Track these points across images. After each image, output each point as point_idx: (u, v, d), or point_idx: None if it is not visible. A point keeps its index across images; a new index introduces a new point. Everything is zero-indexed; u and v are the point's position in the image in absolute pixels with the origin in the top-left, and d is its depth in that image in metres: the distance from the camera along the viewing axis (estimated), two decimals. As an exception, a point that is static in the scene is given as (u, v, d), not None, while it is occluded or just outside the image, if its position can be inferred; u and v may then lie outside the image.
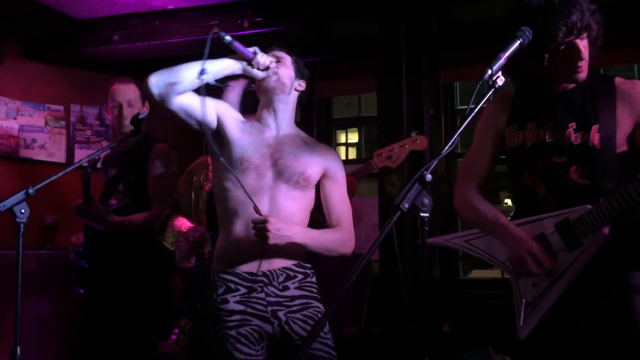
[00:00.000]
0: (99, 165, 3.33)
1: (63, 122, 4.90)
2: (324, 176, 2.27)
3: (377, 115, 4.30)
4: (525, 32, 1.72)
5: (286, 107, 2.27)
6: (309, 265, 2.28)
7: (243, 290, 2.16)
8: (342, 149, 7.49)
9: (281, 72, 2.22)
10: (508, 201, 6.41)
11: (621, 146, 1.84)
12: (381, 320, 3.99)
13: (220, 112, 2.22)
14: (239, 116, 2.29)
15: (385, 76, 4.09)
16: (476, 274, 5.08)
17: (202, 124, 2.16)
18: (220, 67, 2.12)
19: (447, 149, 1.57)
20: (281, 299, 2.16)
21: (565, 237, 1.82)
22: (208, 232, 2.91)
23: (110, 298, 3.14)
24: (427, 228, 1.50)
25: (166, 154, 3.23)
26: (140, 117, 2.17)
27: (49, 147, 4.82)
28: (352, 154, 7.22)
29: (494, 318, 3.97)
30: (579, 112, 1.87)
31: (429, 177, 1.49)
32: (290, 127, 2.30)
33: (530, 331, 1.84)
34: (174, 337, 3.46)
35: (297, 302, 2.18)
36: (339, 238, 2.23)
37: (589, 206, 1.78)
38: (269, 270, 2.17)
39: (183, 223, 3.06)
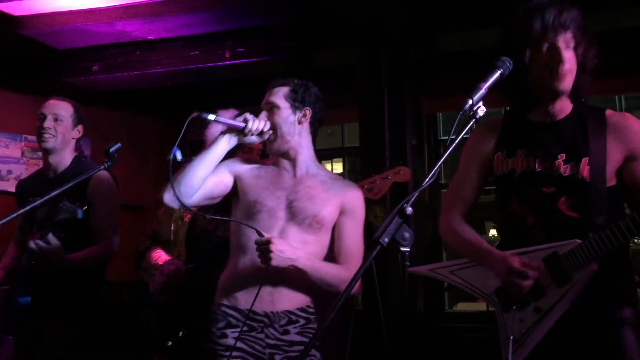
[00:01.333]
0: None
1: (40, 153, 4.80)
2: (340, 212, 2.20)
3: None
4: (505, 62, 1.70)
5: (299, 148, 2.23)
6: (313, 310, 2.20)
7: (244, 327, 2.10)
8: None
9: (276, 123, 2.18)
10: (493, 232, 6.39)
11: (610, 180, 1.81)
12: (364, 356, 3.91)
13: (235, 171, 2.25)
14: (253, 165, 2.28)
15: (367, 106, 4.09)
16: (462, 306, 5.01)
17: (224, 195, 2.24)
18: (218, 151, 2.16)
19: (428, 180, 1.52)
20: (280, 343, 2.11)
21: (553, 271, 1.77)
22: (187, 265, 2.83)
23: (58, 336, 2.86)
24: (407, 263, 1.45)
25: (108, 185, 2.96)
26: (112, 149, 2.07)
27: (25, 179, 4.72)
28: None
29: (480, 352, 3.90)
30: (569, 143, 1.85)
31: (409, 210, 1.43)
32: (310, 166, 2.25)
33: None
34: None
35: (295, 348, 2.12)
36: (342, 276, 2.13)
37: (579, 241, 1.74)
38: (272, 312, 2.12)
39: (160, 256, 2.98)
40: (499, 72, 1.68)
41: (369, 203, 3.58)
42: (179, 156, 2.10)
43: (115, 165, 2.03)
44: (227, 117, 2.24)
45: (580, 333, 1.77)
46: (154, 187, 4.59)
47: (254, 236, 2.07)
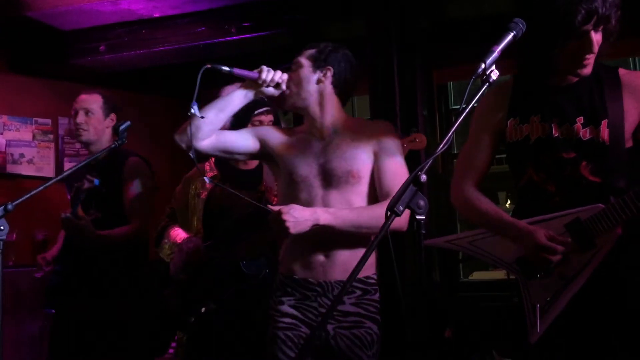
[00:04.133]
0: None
1: (51, 136, 4.84)
2: (374, 155, 2.16)
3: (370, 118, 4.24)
4: (518, 24, 1.66)
5: (320, 106, 2.19)
6: (374, 281, 2.18)
7: (298, 295, 2.14)
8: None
9: (292, 79, 2.18)
10: (506, 202, 6.36)
11: (628, 141, 1.79)
12: (382, 328, 3.92)
13: (261, 135, 2.25)
14: (284, 132, 2.28)
15: (377, 77, 4.03)
16: (477, 275, 5.01)
17: (245, 154, 2.27)
18: (235, 103, 2.17)
19: (442, 147, 1.50)
20: (334, 313, 2.10)
21: (576, 238, 1.75)
22: (204, 242, 2.84)
23: (95, 316, 3.04)
24: (423, 231, 1.43)
25: (140, 169, 3.17)
26: (122, 127, 2.08)
27: (38, 162, 4.75)
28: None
29: (497, 321, 3.90)
30: (586, 105, 1.80)
31: (423, 177, 1.42)
32: (336, 123, 2.21)
33: (540, 336, 1.78)
34: (171, 350, 3.39)
35: (349, 318, 2.11)
36: (381, 211, 1.99)
37: (602, 205, 1.72)
38: (325, 282, 2.12)
39: (178, 234, 3.00)
40: (512, 34, 1.64)
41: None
42: (196, 111, 2.07)
43: (124, 144, 2.05)
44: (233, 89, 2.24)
45: (606, 301, 1.74)
46: (167, 167, 4.65)
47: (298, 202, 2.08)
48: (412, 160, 3.44)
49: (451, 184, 2.03)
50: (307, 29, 4.19)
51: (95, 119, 3.15)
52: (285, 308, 2.14)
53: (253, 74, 2.13)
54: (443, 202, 4.42)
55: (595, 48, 1.76)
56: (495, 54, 1.59)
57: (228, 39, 4.13)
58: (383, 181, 2.13)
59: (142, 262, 3.17)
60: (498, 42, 1.62)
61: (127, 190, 3.09)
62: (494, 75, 1.57)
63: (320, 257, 2.10)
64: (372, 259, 2.15)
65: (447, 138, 1.51)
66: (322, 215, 2.03)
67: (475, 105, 1.56)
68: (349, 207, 2.10)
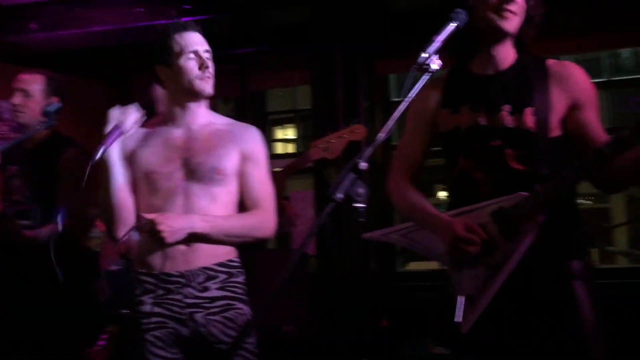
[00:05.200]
0: None
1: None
2: (242, 159, 2.12)
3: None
4: (460, 14, 1.68)
5: (185, 99, 2.11)
6: (237, 264, 2.15)
7: (160, 291, 2.05)
8: (279, 145, 7.39)
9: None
10: (442, 194, 6.47)
11: (555, 130, 1.79)
12: (321, 318, 3.92)
13: (124, 155, 2.12)
14: (137, 135, 2.14)
15: (318, 67, 4.01)
16: (413, 266, 5.08)
17: None
18: (115, 172, 2.10)
19: (383, 136, 1.50)
20: (200, 301, 2.05)
21: (501, 226, 1.75)
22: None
23: (23, 306, 2.92)
24: (362, 220, 1.42)
25: (78, 162, 2.94)
26: (50, 109, 1.98)
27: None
28: (290, 149, 7.14)
29: (433, 311, 3.97)
30: (513, 94, 1.81)
31: (363, 164, 1.41)
32: (204, 117, 2.15)
33: (472, 324, 1.78)
34: (102, 342, 3.31)
35: (217, 303, 2.07)
36: (252, 221, 2.11)
37: (524, 193, 1.73)
38: (187, 271, 2.05)
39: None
40: (455, 24, 1.66)
41: (324, 163, 3.57)
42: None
43: (54, 125, 1.95)
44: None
45: (532, 288, 1.77)
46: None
47: (158, 204, 2.04)
48: (354, 152, 3.45)
49: (388, 179, 2.03)
50: (248, 14, 4.12)
51: (34, 102, 2.94)
52: (148, 307, 2.06)
53: (114, 134, 2.03)
54: (382, 192, 4.45)
55: None
56: (436, 44, 1.60)
57: (167, 21, 4.02)
58: (251, 190, 2.13)
59: (72, 252, 3.06)
60: (440, 33, 1.63)
61: (61, 185, 2.94)
62: (436, 65, 1.58)
63: (181, 247, 2.03)
64: (221, 245, 2.10)
65: (387, 126, 1.50)
66: (198, 224, 2.01)
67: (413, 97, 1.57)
68: (224, 216, 2.09)
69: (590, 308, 1.75)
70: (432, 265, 4.44)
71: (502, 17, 1.76)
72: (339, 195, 1.39)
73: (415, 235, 1.95)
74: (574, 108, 1.80)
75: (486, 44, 1.83)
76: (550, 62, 1.85)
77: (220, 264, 2.09)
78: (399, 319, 4.12)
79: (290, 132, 7.37)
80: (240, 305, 2.10)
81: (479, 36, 1.82)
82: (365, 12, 4.30)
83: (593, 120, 1.80)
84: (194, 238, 2.03)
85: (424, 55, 1.58)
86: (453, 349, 2.01)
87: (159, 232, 1.94)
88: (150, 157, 2.10)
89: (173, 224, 1.96)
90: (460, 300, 1.80)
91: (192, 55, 2.08)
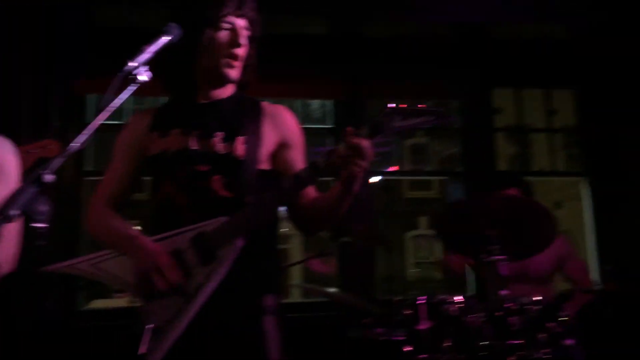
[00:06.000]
0: None
1: None
2: None
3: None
4: (174, 29, 1.59)
5: None
6: None
7: None
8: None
9: None
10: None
11: (264, 163, 1.84)
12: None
13: None
14: None
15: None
16: (98, 304, 4.70)
17: None
18: None
19: (77, 145, 1.30)
20: None
21: (199, 251, 1.70)
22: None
23: None
24: (43, 242, 1.18)
25: None
26: None
27: None
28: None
29: (119, 350, 3.67)
30: (227, 122, 1.83)
31: (48, 177, 1.18)
32: None
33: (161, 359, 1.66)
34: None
35: None
36: None
37: (225, 218, 1.70)
38: None
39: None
40: (168, 38, 1.56)
41: None
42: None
43: None
44: None
45: (223, 321, 1.73)
46: None
47: None
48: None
49: (88, 209, 1.90)
50: None
51: None
52: None
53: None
54: (68, 220, 4.04)
55: (242, 40, 1.81)
56: (145, 55, 1.49)
57: None
58: None
59: None
60: (151, 44, 1.53)
61: None
62: (144, 77, 1.46)
63: None
64: None
65: (81, 137, 1.31)
66: None
67: (116, 107, 1.43)
68: None
69: (277, 343, 1.76)
70: (118, 302, 4.16)
71: (230, 66, 1.83)
72: (12, 213, 1.13)
73: (106, 264, 1.80)
74: (282, 146, 1.88)
75: (209, 83, 1.87)
76: (265, 103, 1.93)
77: None
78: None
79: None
80: None
81: (205, 73, 1.84)
82: (66, 28, 3.94)
83: (299, 159, 1.89)
84: None
85: (131, 64, 1.44)
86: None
87: None
88: None
89: None
90: (147, 331, 1.67)
91: None
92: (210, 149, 1.79)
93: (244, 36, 1.81)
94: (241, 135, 1.80)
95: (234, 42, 1.80)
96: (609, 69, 4.76)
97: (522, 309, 2.62)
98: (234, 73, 1.84)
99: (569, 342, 2.57)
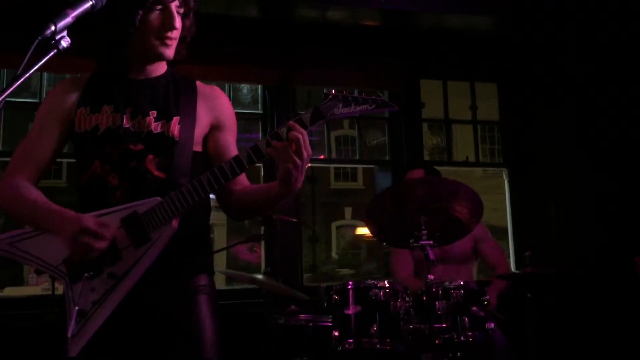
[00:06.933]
0: None
1: None
2: None
3: None
4: None
5: None
6: None
7: None
8: None
9: None
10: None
11: (197, 145, 1.80)
12: None
13: None
14: None
15: None
16: (10, 291, 4.47)
17: None
18: None
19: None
20: None
21: (131, 232, 1.64)
22: None
23: None
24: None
25: None
26: None
27: None
28: None
29: (32, 340, 3.50)
30: (161, 101, 1.79)
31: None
32: None
33: (86, 344, 1.59)
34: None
35: None
36: None
37: (159, 198, 1.65)
38: None
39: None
40: (91, 3, 1.46)
41: None
42: None
43: None
44: None
45: (156, 302, 1.68)
46: None
47: None
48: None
49: (2, 176, 1.78)
50: None
51: None
52: None
53: None
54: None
55: (177, 23, 1.76)
56: (68, 19, 1.40)
57: None
58: None
59: None
60: (74, 7, 1.43)
61: None
62: (65, 42, 1.38)
63: None
64: None
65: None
66: None
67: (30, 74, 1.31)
68: None
69: (211, 321, 1.73)
70: (33, 290, 3.97)
71: (164, 45, 1.77)
72: None
73: (25, 244, 1.70)
74: (215, 128, 1.85)
75: (142, 60, 1.81)
76: (199, 83, 1.90)
77: None
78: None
79: None
80: None
81: (138, 50, 1.77)
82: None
83: (231, 142, 1.88)
84: None
85: (52, 27, 1.35)
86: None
87: None
88: None
89: None
90: (72, 314, 1.59)
91: None
92: (145, 128, 1.74)
93: (177, 17, 1.76)
94: (176, 115, 1.76)
95: (168, 24, 1.74)
96: (531, 63, 4.94)
97: (447, 294, 2.68)
98: (168, 51, 1.79)
99: (489, 325, 2.65)
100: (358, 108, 1.66)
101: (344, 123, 19.46)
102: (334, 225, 23.50)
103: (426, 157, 5.05)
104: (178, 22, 1.76)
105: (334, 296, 2.73)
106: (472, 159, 5.37)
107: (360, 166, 13.92)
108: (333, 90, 1.66)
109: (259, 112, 4.77)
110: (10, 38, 3.65)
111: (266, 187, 1.75)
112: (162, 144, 1.73)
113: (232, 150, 1.84)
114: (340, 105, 1.65)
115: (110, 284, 1.63)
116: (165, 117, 1.76)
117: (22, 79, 1.31)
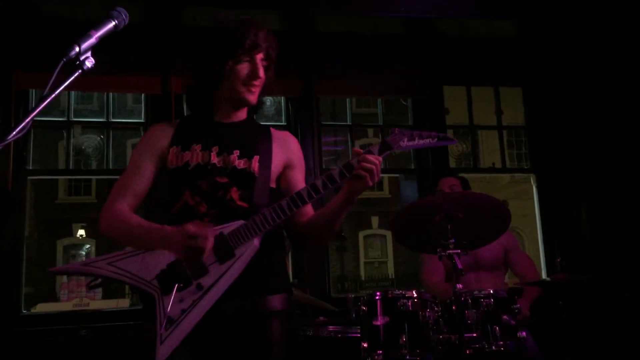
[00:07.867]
0: None
1: None
2: None
3: None
4: (121, 13, 1.53)
5: None
6: None
7: None
8: None
9: None
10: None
11: (272, 182, 2.02)
12: None
13: None
14: None
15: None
16: (42, 307, 4.53)
17: None
18: None
19: (15, 135, 1.22)
20: None
21: (217, 249, 1.84)
22: None
23: None
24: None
25: None
26: None
27: None
28: None
29: (63, 355, 3.55)
30: (244, 141, 2.02)
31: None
32: None
33: (173, 351, 1.74)
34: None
35: None
36: None
37: (243, 221, 1.86)
38: None
39: None
40: (114, 23, 1.50)
41: None
42: None
43: None
44: None
45: (235, 319, 1.85)
46: None
47: None
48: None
49: (104, 208, 1.99)
50: None
51: None
52: None
53: None
54: (10, 221, 3.88)
55: (261, 72, 1.99)
56: (92, 40, 1.43)
57: None
58: None
59: None
60: (97, 28, 1.46)
61: None
62: (89, 63, 1.41)
63: None
64: None
65: (21, 124, 1.23)
66: None
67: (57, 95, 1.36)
68: None
69: (282, 344, 1.90)
70: (64, 306, 4.02)
71: (250, 92, 2.01)
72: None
73: (122, 263, 1.89)
74: (287, 167, 2.09)
75: (228, 104, 2.05)
76: (273, 129, 2.15)
77: None
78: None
79: None
80: None
81: (225, 97, 2.03)
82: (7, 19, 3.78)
83: (300, 180, 2.11)
84: None
85: (76, 49, 1.38)
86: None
87: None
88: None
89: None
90: (162, 321, 1.76)
91: None
92: (230, 164, 1.97)
93: (261, 68, 1.99)
94: (255, 154, 2.00)
95: (254, 74, 1.98)
96: (557, 67, 4.88)
97: (477, 302, 2.65)
98: (252, 98, 2.02)
99: (520, 334, 2.61)
100: (422, 142, 1.91)
101: (368, 131, 19.53)
102: (361, 234, 23.44)
103: (452, 164, 5.01)
104: (262, 72, 1.99)
105: (362, 307, 2.71)
106: (498, 164, 5.31)
107: (386, 175, 13.88)
108: (397, 130, 1.92)
109: (283, 123, 4.80)
110: (39, 59, 3.75)
111: (325, 209, 1.97)
112: (244, 178, 1.96)
113: (301, 186, 2.01)
114: (406, 139, 1.91)
115: (198, 294, 1.81)
116: (247, 155, 1.99)
117: (49, 99, 1.34)
